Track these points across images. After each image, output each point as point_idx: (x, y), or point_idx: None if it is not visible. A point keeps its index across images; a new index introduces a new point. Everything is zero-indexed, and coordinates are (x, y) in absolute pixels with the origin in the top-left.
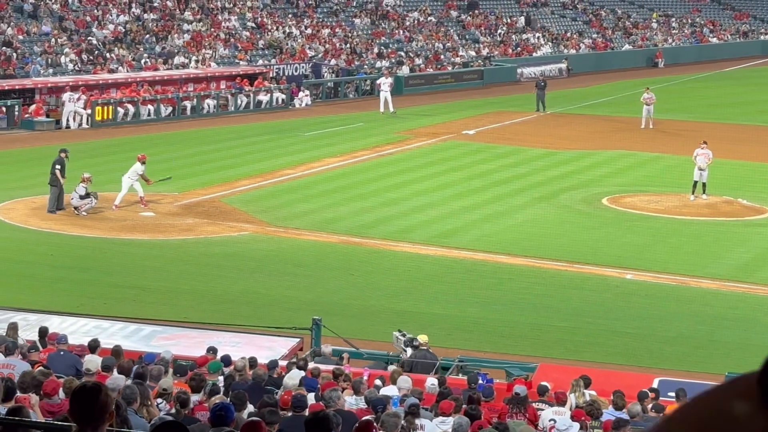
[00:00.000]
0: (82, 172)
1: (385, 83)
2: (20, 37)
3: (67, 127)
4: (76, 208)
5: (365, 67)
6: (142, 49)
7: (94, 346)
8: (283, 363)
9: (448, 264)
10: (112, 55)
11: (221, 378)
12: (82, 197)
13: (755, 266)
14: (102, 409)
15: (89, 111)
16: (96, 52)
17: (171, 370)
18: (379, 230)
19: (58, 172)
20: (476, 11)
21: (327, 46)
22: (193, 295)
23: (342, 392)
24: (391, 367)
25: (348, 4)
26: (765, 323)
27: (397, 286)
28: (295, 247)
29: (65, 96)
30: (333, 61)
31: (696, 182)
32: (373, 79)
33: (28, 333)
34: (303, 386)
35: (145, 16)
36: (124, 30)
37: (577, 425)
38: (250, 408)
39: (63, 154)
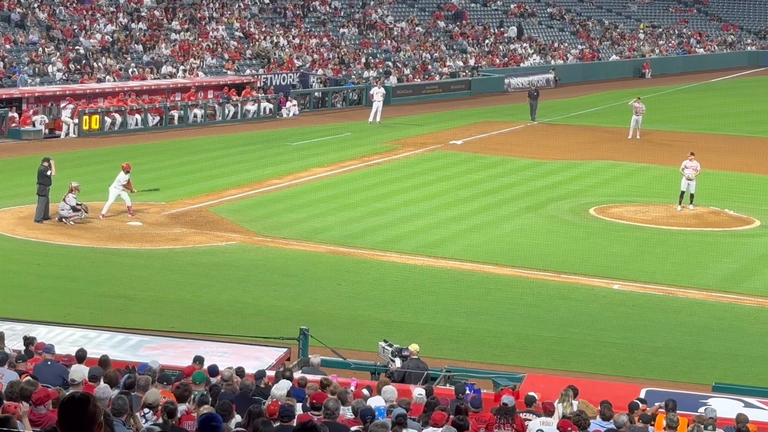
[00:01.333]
0: (70, 181)
1: (378, 93)
2: (7, 46)
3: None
4: (64, 218)
5: (353, 77)
6: (129, 58)
7: (81, 356)
8: (270, 373)
9: (436, 274)
10: (100, 64)
11: (207, 388)
12: (74, 209)
13: (742, 277)
14: (90, 419)
15: (76, 120)
16: (83, 61)
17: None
18: (367, 240)
19: (47, 178)
20: (464, 21)
21: (315, 56)
22: (181, 305)
23: None
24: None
25: (336, 14)
26: (751, 333)
27: (385, 296)
28: (283, 256)
29: (37, 118)
30: (320, 71)
31: (683, 192)
32: (361, 89)
33: (14, 343)
34: (291, 396)
35: (133, 25)
36: (111, 39)
37: None
38: (237, 418)
39: (45, 163)
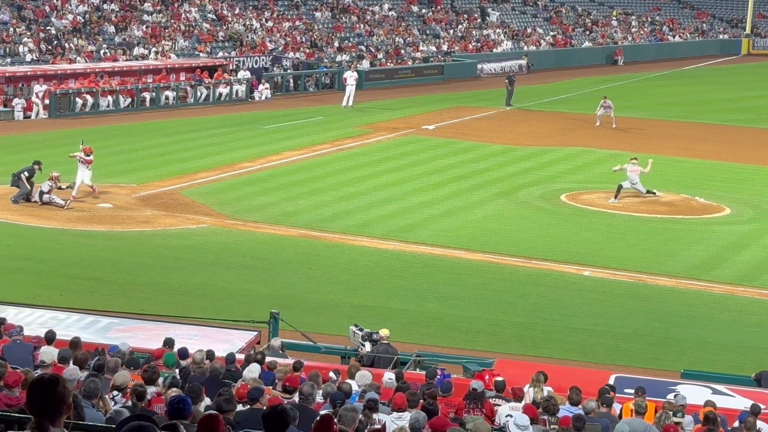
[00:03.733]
0: (51, 171)
1: (351, 77)
2: None
3: None
4: (36, 201)
5: (325, 60)
6: (101, 39)
7: (50, 338)
8: (240, 356)
9: (407, 259)
10: (71, 45)
11: (177, 370)
12: (43, 192)
13: (711, 264)
14: (59, 401)
15: (47, 101)
16: (55, 42)
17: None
18: (338, 224)
19: (23, 176)
20: (437, 6)
21: (287, 39)
22: (151, 288)
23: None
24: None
25: None
26: (720, 321)
27: (356, 280)
28: (254, 240)
29: (16, 102)
30: (291, 54)
31: (621, 186)
32: (333, 72)
33: None
34: (261, 380)
35: (105, 6)
36: (83, 20)
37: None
38: (207, 401)
39: (36, 166)
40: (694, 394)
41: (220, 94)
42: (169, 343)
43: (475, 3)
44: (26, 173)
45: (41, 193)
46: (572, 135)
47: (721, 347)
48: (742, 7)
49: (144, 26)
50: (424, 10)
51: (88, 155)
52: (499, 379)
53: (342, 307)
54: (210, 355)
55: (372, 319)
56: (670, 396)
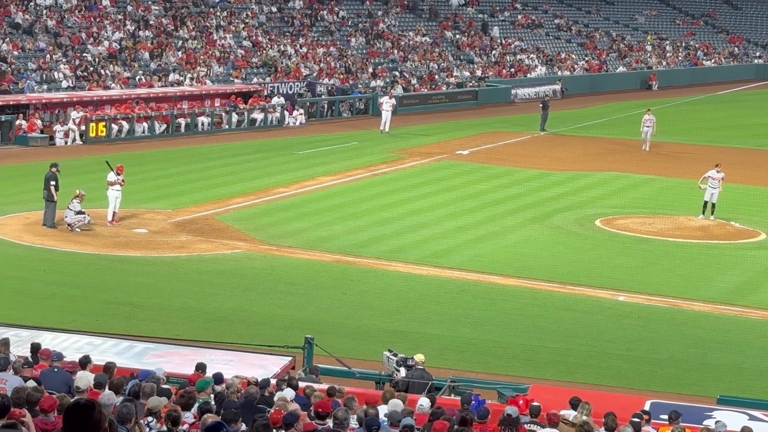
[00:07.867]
0: (76, 188)
1: (387, 102)
2: (15, 52)
3: None
4: (69, 225)
5: (359, 86)
6: (136, 65)
7: (84, 363)
8: (274, 381)
9: (441, 284)
10: (107, 71)
11: (212, 396)
12: (77, 213)
13: (747, 289)
14: (95, 426)
15: (83, 127)
16: (91, 68)
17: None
18: (373, 249)
19: (52, 188)
20: (471, 32)
21: (322, 64)
22: (186, 313)
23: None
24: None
25: (343, 24)
26: (757, 346)
27: (390, 305)
28: (288, 265)
29: (58, 128)
30: (324, 80)
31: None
32: (367, 98)
33: (20, 349)
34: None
35: (140, 33)
36: (119, 47)
37: None
38: (242, 426)
39: (54, 169)
40: (731, 420)
41: (255, 120)
42: (200, 367)
43: (477, 18)
44: (52, 182)
45: (75, 213)
46: (607, 160)
47: (758, 373)
48: None
49: (179, 52)
50: (458, 36)
51: (118, 173)
52: (535, 404)
53: (376, 333)
54: (256, 381)
55: (406, 345)
56: (710, 423)
